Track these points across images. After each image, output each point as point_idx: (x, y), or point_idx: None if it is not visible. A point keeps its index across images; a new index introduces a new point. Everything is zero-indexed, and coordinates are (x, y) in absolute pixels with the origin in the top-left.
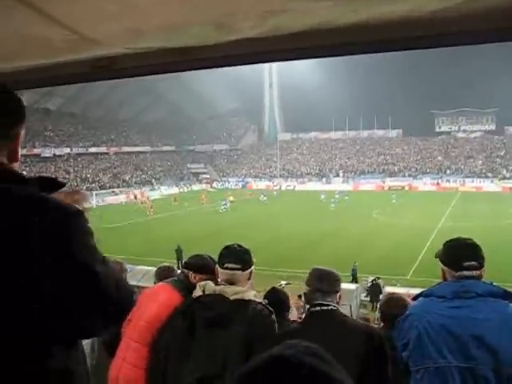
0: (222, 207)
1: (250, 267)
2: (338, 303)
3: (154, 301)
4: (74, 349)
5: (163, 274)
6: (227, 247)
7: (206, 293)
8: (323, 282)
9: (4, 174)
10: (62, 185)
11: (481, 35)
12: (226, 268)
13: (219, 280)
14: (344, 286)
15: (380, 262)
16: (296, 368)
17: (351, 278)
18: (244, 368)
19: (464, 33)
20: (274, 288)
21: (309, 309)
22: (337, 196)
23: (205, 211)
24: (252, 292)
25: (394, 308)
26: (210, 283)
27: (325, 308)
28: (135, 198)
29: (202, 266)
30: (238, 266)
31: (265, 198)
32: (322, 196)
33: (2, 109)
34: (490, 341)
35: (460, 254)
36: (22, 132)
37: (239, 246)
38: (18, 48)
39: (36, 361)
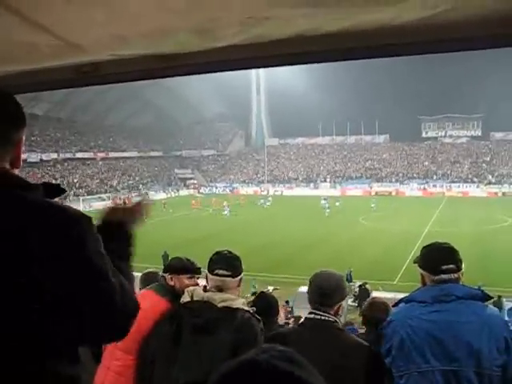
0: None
1: (240, 274)
2: (337, 312)
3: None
4: (79, 355)
5: (148, 280)
6: (217, 253)
7: (195, 299)
8: (322, 293)
9: (8, 180)
10: (64, 191)
11: (473, 41)
12: (216, 274)
13: (208, 286)
14: None
15: (367, 267)
16: (268, 373)
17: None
18: (218, 372)
19: (453, 39)
20: (262, 293)
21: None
22: (323, 202)
23: (195, 216)
24: (240, 300)
25: (376, 312)
26: (199, 289)
27: (318, 317)
28: (124, 203)
29: (180, 268)
30: (229, 273)
31: (263, 202)
32: (323, 201)
33: (3, 114)
34: (471, 343)
35: (437, 257)
36: (23, 137)
37: (229, 252)
38: (2, 53)
39: (36, 361)
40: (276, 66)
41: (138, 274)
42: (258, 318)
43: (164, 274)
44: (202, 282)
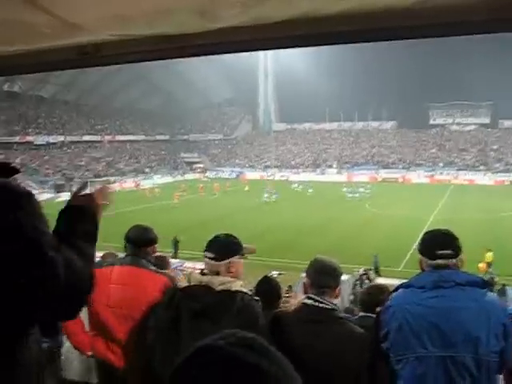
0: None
1: (228, 258)
2: (336, 297)
3: (142, 288)
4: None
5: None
6: (215, 236)
7: (192, 283)
8: (321, 277)
9: None
10: (17, 171)
11: (472, 26)
12: (205, 257)
13: (206, 270)
14: None
15: (373, 253)
16: (221, 359)
17: (374, 270)
18: (180, 358)
19: (454, 24)
20: (266, 277)
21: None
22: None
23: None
24: (239, 282)
25: (373, 296)
26: (195, 273)
27: (316, 304)
28: (136, 186)
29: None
30: (213, 256)
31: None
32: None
33: None
34: (469, 329)
35: (434, 242)
36: None
37: (225, 235)
38: (2, 34)
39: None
40: (278, 48)
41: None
42: (257, 299)
43: (149, 248)
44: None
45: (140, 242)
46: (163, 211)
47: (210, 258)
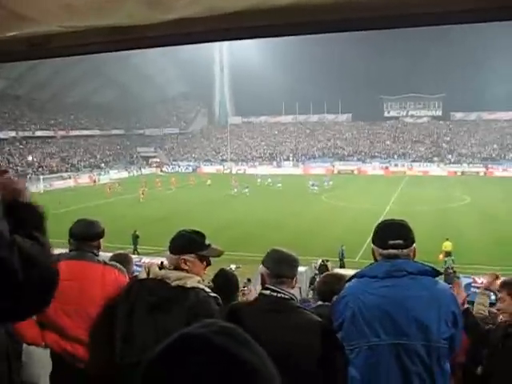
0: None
1: (182, 254)
2: (293, 287)
3: (93, 281)
4: None
5: (118, 261)
6: (179, 232)
7: (150, 276)
8: (280, 267)
9: None
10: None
11: (460, 16)
12: (172, 253)
13: (165, 263)
14: None
15: (329, 244)
16: (202, 347)
17: (339, 261)
18: (158, 346)
19: (436, 14)
20: (222, 270)
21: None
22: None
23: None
24: (196, 278)
25: (328, 285)
26: (155, 266)
27: (274, 294)
28: (94, 182)
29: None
30: (170, 250)
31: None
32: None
33: None
34: (420, 317)
35: (386, 232)
36: None
37: (192, 232)
38: None
39: None
40: (231, 40)
41: (107, 254)
42: (215, 296)
43: (95, 243)
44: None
45: (84, 236)
46: (127, 206)
47: (169, 252)
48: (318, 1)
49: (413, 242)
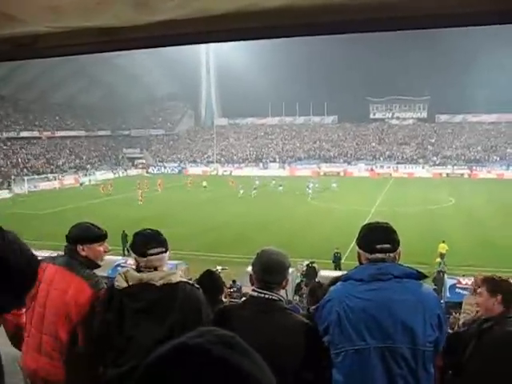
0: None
1: (168, 248)
2: (283, 288)
3: (64, 292)
4: None
5: None
6: (138, 234)
7: (130, 283)
8: (268, 275)
9: None
10: None
11: (454, 18)
12: (151, 254)
13: (141, 267)
14: None
15: (315, 246)
16: (200, 358)
17: (333, 264)
18: (150, 357)
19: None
20: (208, 270)
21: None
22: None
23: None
24: (178, 272)
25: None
26: (132, 271)
27: (262, 296)
28: (81, 184)
29: (93, 237)
30: (162, 249)
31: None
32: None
33: None
34: (406, 320)
35: (373, 236)
36: None
37: (150, 230)
38: None
39: None
40: (217, 42)
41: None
42: (197, 286)
43: (73, 246)
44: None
45: (80, 240)
46: (124, 206)
47: (160, 253)
48: (307, 3)
49: (398, 245)
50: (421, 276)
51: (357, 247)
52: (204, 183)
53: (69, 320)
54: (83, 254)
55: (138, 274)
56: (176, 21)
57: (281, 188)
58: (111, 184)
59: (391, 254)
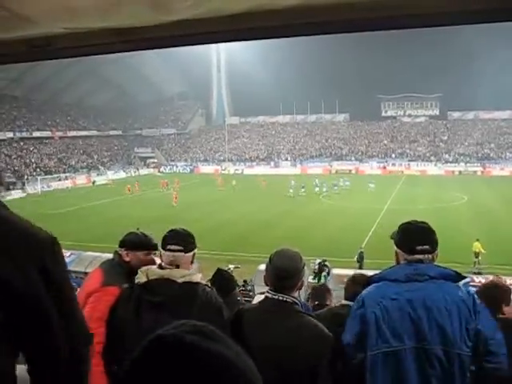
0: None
1: (193, 249)
2: (299, 289)
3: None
4: None
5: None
6: (171, 230)
7: (151, 278)
8: (281, 283)
9: None
10: None
11: (458, 17)
12: (169, 250)
13: (163, 263)
14: None
15: (327, 244)
16: (173, 346)
17: (357, 263)
18: (134, 352)
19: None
20: (219, 269)
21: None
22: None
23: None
24: (199, 275)
25: (358, 286)
26: (153, 268)
27: (276, 297)
28: (93, 182)
29: (138, 244)
30: (181, 248)
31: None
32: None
33: None
34: (441, 322)
35: (414, 237)
36: None
37: (183, 229)
38: None
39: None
40: (232, 41)
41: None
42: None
43: (119, 250)
44: (157, 260)
45: (125, 245)
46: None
47: (176, 251)
48: (317, 2)
49: (437, 245)
50: (459, 277)
51: (395, 246)
52: (233, 182)
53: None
54: (126, 259)
55: (160, 270)
56: (191, 21)
57: (317, 189)
58: (137, 183)
59: (430, 256)
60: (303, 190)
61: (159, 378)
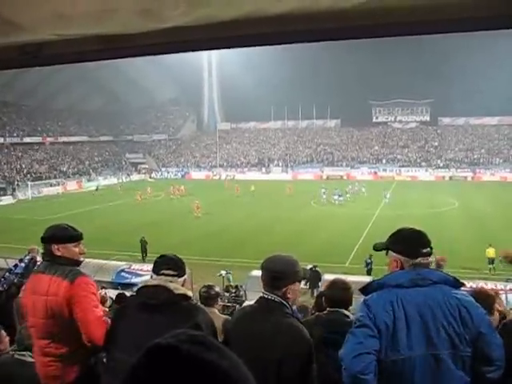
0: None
1: (184, 275)
2: (285, 294)
3: (45, 295)
4: None
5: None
6: (162, 255)
7: (149, 284)
8: (273, 278)
9: None
10: None
11: (453, 25)
12: (163, 274)
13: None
14: None
15: (319, 250)
16: (172, 356)
17: (366, 271)
18: (135, 359)
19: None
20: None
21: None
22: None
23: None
24: (190, 292)
25: (336, 291)
26: (151, 280)
27: (266, 296)
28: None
29: (68, 237)
30: (175, 273)
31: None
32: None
33: None
34: (447, 327)
35: (417, 241)
36: None
37: (174, 255)
38: None
39: None
40: (223, 48)
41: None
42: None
43: (48, 245)
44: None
45: (54, 240)
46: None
47: (170, 276)
48: (311, 9)
49: (432, 249)
50: (458, 283)
51: (394, 254)
52: (252, 188)
53: (60, 318)
54: (58, 253)
55: (156, 281)
56: (182, 28)
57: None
58: (150, 189)
59: (430, 258)
60: (348, 195)
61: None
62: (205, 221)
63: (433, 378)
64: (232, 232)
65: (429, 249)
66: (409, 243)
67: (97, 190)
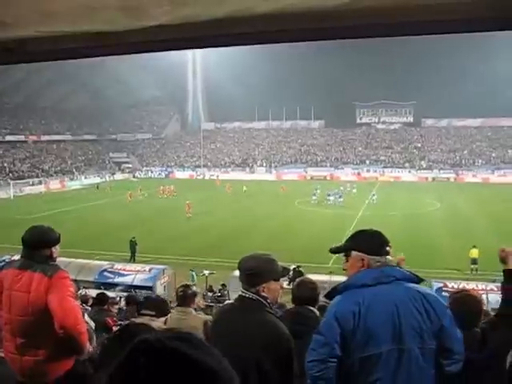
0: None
1: (165, 315)
2: (259, 292)
3: (26, 292)
4: None
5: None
6: (146, 297)
7: (131, 323)
8: (247, 276)
9: None
10: None
11: (447, 26)
12: (142, 314)
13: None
14: None
15: (302, 250)
16: (158, 351)
17: None
18: (124, 351)
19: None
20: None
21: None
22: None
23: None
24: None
25: (303, 290)
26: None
27: (242, 295)
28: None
29: (58, 239)
30: (153, 313)
31: None
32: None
33: None
34: (413, 321)
35: (380, 240)
36: None
37: (157, 296)
38: None
39: None
40: (207, 47)
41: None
42: None
43: (47, 249)
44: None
45: (34, 244)
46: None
47: (149, 316)
48: (298, 9)
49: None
50: (418, 279)
51: (360, 254)
52: (244, 188)
53: (41, 315)
54: (55, 255)
55: (140, 319)
56: (166, 26)
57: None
58: (140, 189)
59: (389, 257)
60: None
61: (141, 378)
62: (196, 220)
63: (401, 371)
64: (220, 229)
65: (389, 247)
66: (374, 242)
67: (97, 188)
